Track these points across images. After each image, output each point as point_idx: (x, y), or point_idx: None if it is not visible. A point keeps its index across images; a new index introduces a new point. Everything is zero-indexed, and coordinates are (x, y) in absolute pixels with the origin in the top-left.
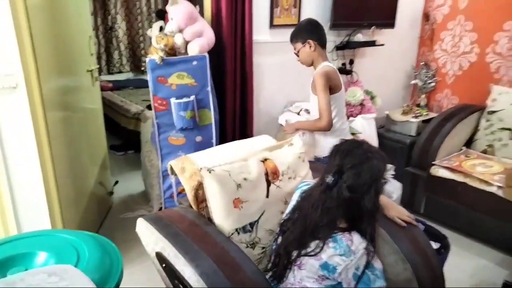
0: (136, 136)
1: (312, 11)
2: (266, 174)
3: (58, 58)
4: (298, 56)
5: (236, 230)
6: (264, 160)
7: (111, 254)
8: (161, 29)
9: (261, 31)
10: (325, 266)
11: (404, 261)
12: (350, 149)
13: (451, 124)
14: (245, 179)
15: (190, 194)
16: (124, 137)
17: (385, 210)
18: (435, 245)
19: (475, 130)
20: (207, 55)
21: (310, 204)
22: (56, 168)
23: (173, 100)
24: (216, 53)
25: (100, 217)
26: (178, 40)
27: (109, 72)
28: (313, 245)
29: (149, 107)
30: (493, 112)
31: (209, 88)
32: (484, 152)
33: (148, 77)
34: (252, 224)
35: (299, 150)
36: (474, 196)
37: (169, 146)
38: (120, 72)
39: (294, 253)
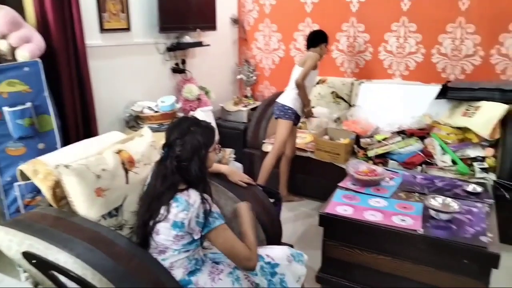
0: None
1: (140, 16)
2: (123, 164)
3: None
4: None
5: (103, 216)
6: (119, 152)
7: None
8: None
9: (92, 35)
10: (175, 224)
11: None
12: (177, 124)
13: (273, 108)
14: (103, 169)
15: (48, 194)
16: None
17: (230, 177)
18: (271, 200)
19: None
20: (39, 60)
21: (154, 177)
22: None
23: (6, 109)
24: (48, 58)
25: None
26: (3, 46)
27: None
28: (162, 210)
29: None
30: None
31: (46, 94)
32: (300, 128)
33: None
34: (117, 209)
35: (150, 139)
36: (297, 162)
37: (8, 158)
38: None
39: (151, 223)
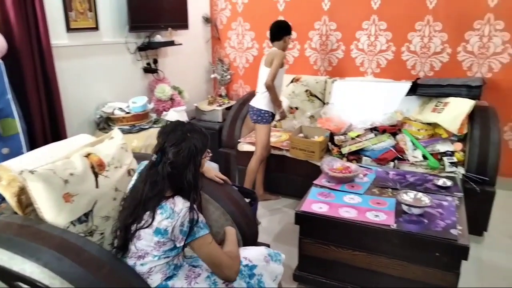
0: None
1: (109, 15)
2: (92, 167)
3: None
4: None
5: (72, 222)
6: (88, 155)
7: None
8: None
9: (58, 35)
10: (157, 231)
11: (225, 214)
12: (172, 129)
13: (248, 107)
14: (71, 174)
15: (12, 201)
16: None
17: (206, 174)
18: (247, 200)
19: None
20: (1, 61)
21: (141, 181)
22: None
23: None
24: (11, 59)
25: None
26: None
27: None
28: (145, 217)
29: None
30: None
31: (9, 96)
32: (275, 126)
33: None
34: (86, 215)
35: (121, 142)
36: (272, 161)
37: None
38: None
39: (133, 228)
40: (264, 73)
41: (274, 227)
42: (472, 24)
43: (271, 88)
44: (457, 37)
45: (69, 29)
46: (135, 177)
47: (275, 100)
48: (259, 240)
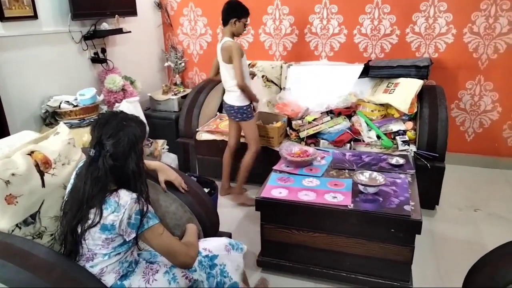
0: None
1: (48, 2)
2: (37, 165)
3: None
4: None
5: (17, 225)
6: (31, 153)
7: None
8: None
9: None
10: (104, 227)
11: (183, 205)
12: (106, 120)
13: (204, 95)
14: (13, 174)
15: None
16: None
17: (159, 174)
18: (206, 190)
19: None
20: None
21: (81, 179)
22: None
23: None
24: None
25: None
26: None
27: None
28: (92, 215)
29: None
30: None
31: None
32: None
33: None
34: (33, 216)
35: (67, 137)
36: None
37: None
38: None
39: (79, 229)
40: (225, 70)
41: (236, 215)
42: (418, 5)
43: (244, 88)
44: (405, 18)
45: (3, 18)
46: (72, 179)
47: (251, 96)
48: (221, 229)
